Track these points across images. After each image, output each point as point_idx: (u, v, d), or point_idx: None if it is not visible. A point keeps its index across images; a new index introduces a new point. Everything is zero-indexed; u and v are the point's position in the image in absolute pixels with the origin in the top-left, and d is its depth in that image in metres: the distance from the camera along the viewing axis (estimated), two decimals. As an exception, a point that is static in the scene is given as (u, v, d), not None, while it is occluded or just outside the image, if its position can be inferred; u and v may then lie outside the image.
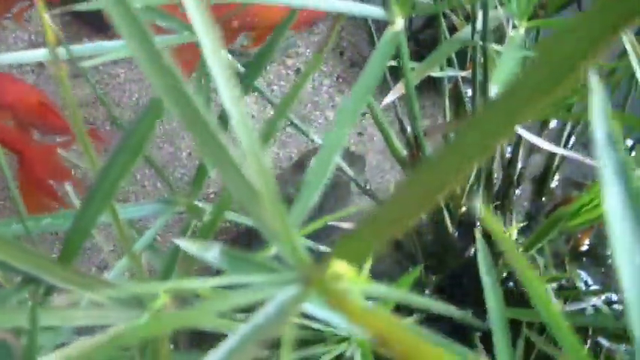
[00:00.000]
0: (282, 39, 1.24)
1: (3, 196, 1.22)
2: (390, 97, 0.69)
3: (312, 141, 0.77)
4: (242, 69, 0.63)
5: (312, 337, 0.45)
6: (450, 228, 0.88)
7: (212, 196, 1.25)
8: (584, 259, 0.92)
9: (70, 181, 1.03)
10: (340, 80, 1.30)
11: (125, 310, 0.26)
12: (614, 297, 0.77)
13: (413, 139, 0.87)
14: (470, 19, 0.60)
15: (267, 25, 1.14)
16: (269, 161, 0.28)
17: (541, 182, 1.00)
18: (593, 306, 0.75)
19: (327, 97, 1.29)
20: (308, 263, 0.20)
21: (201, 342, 0.39)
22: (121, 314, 0.26)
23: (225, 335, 0.20)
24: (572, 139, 0.91)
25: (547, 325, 0.29)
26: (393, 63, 0.54)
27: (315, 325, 0.44)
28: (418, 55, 0.68)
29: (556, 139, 0.89)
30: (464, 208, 0.88)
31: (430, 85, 0.87)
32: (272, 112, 1.29)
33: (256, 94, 1.24)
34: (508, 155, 0.90)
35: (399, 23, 0.39)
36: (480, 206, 0.84)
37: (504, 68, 0.49)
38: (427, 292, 0.90)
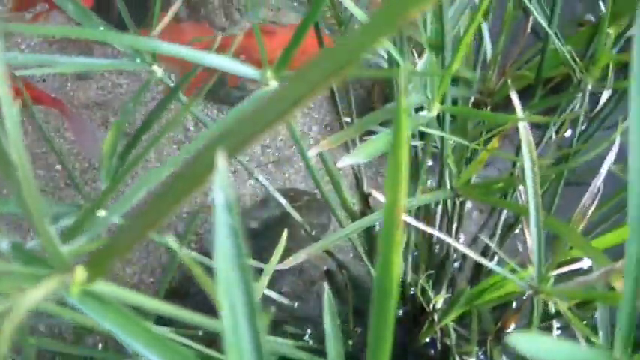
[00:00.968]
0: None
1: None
2: (342, 163, 0.73)
3: (257, 180, 0.81)
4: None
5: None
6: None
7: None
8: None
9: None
10: (329, 129, 1.34)
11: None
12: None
13: (363, 195, 0.91)
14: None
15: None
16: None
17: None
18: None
19: (312, 142, 1.34)
20: (63, 260, 0.25)
21: None
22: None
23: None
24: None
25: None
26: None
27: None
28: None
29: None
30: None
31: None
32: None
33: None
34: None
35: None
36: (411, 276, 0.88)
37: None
38: (350, 342, 0.93)
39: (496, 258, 0.95)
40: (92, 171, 1.34)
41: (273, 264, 0.60)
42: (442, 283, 0.93)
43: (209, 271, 0.25)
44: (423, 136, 0.70)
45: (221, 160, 0.21)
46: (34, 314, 0.26)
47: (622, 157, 0.76)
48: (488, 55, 0.75)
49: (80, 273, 0.24)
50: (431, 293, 0.88)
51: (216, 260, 0.22)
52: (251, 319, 0.23)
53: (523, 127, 0.55)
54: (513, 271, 0.61)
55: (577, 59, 0.62)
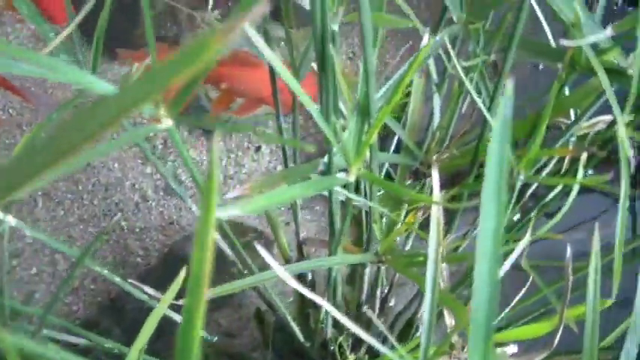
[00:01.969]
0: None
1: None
2: (222, 213, 0.73)
3: (190, 208, 0.81)
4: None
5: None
6: (303, 339, 0.91)
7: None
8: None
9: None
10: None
11: None
12: None
13: (299, 243, 0.91)
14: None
15: (257, 97, 1.19)
16: None
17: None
18: None
19: (265, 170, 1.34)
20: None
21: None
22: None
23: None
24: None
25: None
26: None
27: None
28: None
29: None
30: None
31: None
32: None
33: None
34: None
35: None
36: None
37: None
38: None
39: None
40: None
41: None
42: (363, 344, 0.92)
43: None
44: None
45: None
46: None
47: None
48: (436, 122, 0.75)
49: None
50: (349, 353, 0.88)
51: None
52: None
53: (436, 210, 0.55)
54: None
55: (513, 149, 0.62)
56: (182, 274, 0.60)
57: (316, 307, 0.92)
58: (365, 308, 0.94)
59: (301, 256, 0.91)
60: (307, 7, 0.71)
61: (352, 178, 0.55)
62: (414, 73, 0.51)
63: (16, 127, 1.37)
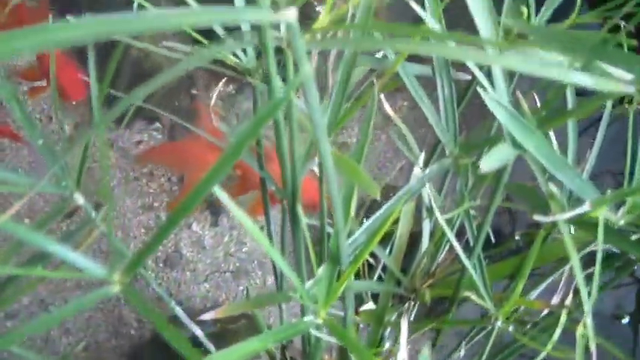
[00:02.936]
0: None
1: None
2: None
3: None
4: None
5: None
6: None
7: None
8: None
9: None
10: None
11: None
12: None
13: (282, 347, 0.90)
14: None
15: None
16: None
17: None
18: None
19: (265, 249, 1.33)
20: None
21: None
22: None
23: None
24: None
25: None
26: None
27: None
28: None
29: None
30: None
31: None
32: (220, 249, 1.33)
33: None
34: None
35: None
36: None
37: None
38: None
39: None
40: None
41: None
42: None
43: None
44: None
45: None
46: None
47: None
48: (423, 249, 0.74)
49: None
50: None
51: None
52: None
53: (404, 347, 0.54)
54: None
55: (490, 293, 0.61)
56: None
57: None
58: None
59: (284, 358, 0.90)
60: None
61: (320, 321, 0.55)
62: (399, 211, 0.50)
63: None
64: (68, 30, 0.26)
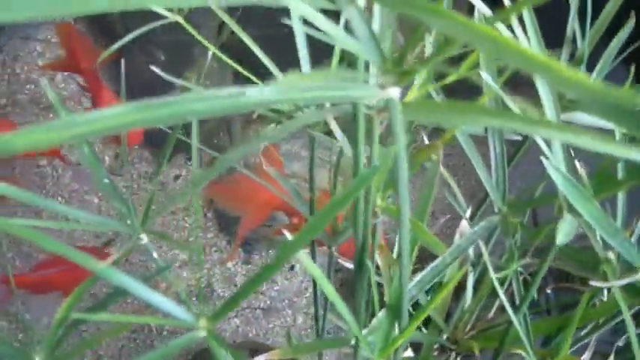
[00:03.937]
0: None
1: None
2: None
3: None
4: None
5: None
6: None
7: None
8: None
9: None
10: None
11: None
12: None
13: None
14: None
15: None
16: None
17: None
18: None
19: (296, 289, 1.35)
20: None
21: None
22: None
23: None
24: None
25: None
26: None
27: None
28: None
29: None
30: None
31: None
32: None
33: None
34: None
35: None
36: None
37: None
38: None
39: None
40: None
41: None
42: None
43: None
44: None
45: None
46: None
47: None
48: (467, 302, 0.76)
49: None
50: None
51: None
52: None
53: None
54: None
55: (533, 349, 0.63)
56: None
57: None
58: None
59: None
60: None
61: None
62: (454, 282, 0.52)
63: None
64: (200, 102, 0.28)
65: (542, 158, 0.52)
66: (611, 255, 0.51)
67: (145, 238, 0.66)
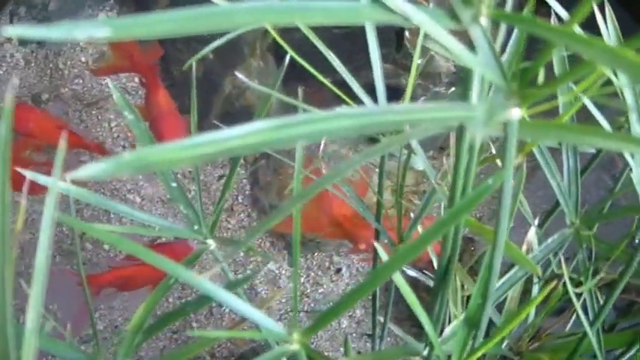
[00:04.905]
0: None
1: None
2: None
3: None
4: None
5: None
6: None
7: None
8: None
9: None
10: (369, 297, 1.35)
11: None
12: None
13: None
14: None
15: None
16: None
17: None
18: None
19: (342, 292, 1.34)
20: None
21: None
22: None
23: None
24: None
25: None
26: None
27: None
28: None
29: None
30: None
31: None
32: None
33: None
34: None
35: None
36: None
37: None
38: None
39: None
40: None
41: None
42: None
43: None
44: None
45: None
46: None
47: None
48: (532, 314, 0.75)
49: None
50: None
51: None
52: None
53: None
54: None
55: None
56: None
57: None
58: None
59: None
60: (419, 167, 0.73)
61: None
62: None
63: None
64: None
65: (633, 176, 0.51)
66: None
67: (212, 244, 0.65)
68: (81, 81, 1.48)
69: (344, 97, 0.65)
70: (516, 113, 0.32)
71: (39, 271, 0.31)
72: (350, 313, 1.32)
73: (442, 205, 0.72)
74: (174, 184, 0.66)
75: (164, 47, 1.30)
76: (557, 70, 0.59)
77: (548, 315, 0.76)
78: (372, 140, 1.20)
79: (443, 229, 0.36)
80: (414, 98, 1.29)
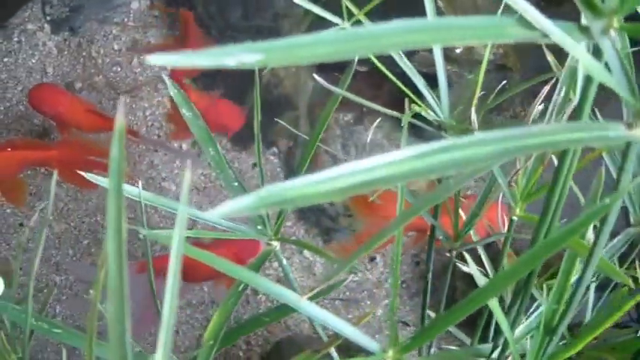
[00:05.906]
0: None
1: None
2: None
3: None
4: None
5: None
6: None
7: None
8: None
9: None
10: (404, 285, 1.35)
11: None
12: None
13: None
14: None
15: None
16: None
17: None
18: None
19: (376, 280, 1.34)
20: None
21: None
22: None
23: None
24: None
25: None
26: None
27: None
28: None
29: None
30: None
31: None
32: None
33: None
34: None
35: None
36: None
37: None
38: None
39: None
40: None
41: None
42: None
43: None
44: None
45: None
46: None
47: None
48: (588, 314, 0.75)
49: None
50: None
51: None
52: None
53: None
54: None
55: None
56: None
57: None
58: None
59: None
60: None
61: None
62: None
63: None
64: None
65: None
66: None
67: (277, 245, 0.65)
68: (115, 69, 1.47)
69: (404, 88, 0.65)
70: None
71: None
72: (385, 302, 1.32)
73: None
74: (235, 184, 0.66)
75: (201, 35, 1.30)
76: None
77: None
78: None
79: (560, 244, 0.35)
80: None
